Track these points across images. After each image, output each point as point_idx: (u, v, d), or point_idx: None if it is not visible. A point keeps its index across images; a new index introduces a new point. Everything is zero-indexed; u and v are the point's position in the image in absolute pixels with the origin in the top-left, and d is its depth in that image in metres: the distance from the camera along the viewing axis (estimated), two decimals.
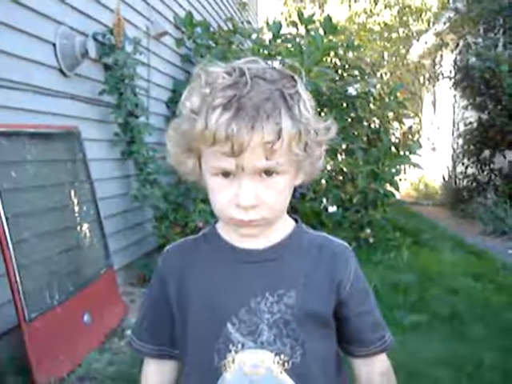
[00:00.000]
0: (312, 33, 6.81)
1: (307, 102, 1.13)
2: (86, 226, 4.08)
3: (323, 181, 7.15)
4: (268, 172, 1.09)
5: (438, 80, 13.08)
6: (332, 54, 7.66)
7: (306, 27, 7.08)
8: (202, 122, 1.06)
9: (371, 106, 7.66)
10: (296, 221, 1.27)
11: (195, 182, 1.24)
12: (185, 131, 1.11)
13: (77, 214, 4.00)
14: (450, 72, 11.56)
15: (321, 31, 6.87)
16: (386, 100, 7.70)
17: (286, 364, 1.16)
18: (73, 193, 3.98)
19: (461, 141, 11.88)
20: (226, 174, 1.10)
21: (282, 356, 1.16)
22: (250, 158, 1.06)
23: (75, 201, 3.99)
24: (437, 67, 13.67)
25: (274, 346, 1.16)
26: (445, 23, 12.46)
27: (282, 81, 1.11)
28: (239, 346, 1.16)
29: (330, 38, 7.07)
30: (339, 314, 1.23)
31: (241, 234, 1.18)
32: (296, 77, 1.14)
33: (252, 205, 1.10)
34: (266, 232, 1.19)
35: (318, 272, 1.21)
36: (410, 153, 7.43)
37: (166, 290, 1.25)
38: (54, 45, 4.05)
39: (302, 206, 6.74)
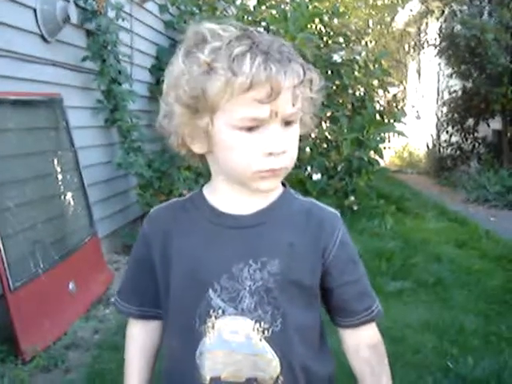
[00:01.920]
0: None
1: None
2: (69, 195, 4.05)
3: (308, 148, 7.14)
4: (288, 120, 1.10)
5: (422, 48, 13.06)
6: (317, 20, 7.61)
7: None
8: (227, 71, 1.04)
9: (356, 73, 7.63)
10: (284, 185, 1.25)
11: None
12: (198, 86, 1.07)
13: (60, 183, 3.97)
14: (435, 40, 11.53)
15: None
16: (371, 68, 7.68)
17: (265, 332, 1.15)
18: (56, 161, 3.94)
19: (445, 109, 11.93)
20: (252, 128, 1.08)
21: (262, 323, 1.15)
22: (282, 104, 1.06)
23: (59, 169, 3.95)
24: (422, 35, 13.62)
25: (255, 313, 1.15)
26: None
27: None
28: (219, 311, 1.15)
29: (315, 4, 7.01)
30: (324, 282, 1.21)
31: (259, 190, 1.15)
32: None
33: (283, 150, 1.10)
34: (260, 194, 1.18)
35: (304, 239, 1.19)
36: (395, 121, 7.45)
37: (150, 253, 1.24)
38: (35, 10, 3.96)
39: None
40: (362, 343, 1.26)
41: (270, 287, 1.15)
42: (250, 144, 1.08)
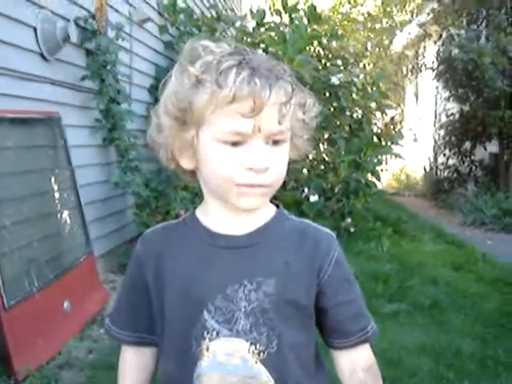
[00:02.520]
0: (296, 22, 6.80)
1: None
2: (66, 213, 4.04)
3: (305, 170, 7.16)
4: (276, 139, 1.10)
5: (420, 71, 13.14)
6: (315, 43, 7.67)
7: (289, 16, 7.07)
8: (213, 84, 1.05)
9: (354, 95, 7.68)
10: (277, 206, 1.24)
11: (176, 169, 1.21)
12: (186, 99, 1.09)
13: (57, 201, 3.96)
14: (433, 63, 11.60)
15: (305, 20, 6.87)
16: (369, 90, 7.72)
17: (261, 354, 1.13)
18: (53, 179, 3.94)
19: (442, 132, 11.97)
20: (236, 143, 1.08)
21: (258, 345, 1.13)
22: (266, 119, 1.06)
23: (56, 187, 3.95)
24: (420, 58, 13.72)
25: (250, 334, 1.13)
26: (428, 14, 12.49)
27: None
28: (214, 333, 1.13)
29: (314, 27, 7.06)
30: (318, 302, 1.20)
31: (239, 209, 1.15)
32: None
33: (265, 167, 1.09)
34: (252, 214, 1.17)
35: (299, 259, 1.18)
36: (392, 143, 7.46)
37: (143, 275, 1.22)
38: (35, 29, 3.99)
39: (282, 194, 6.74)
40: (357, 365, 1.23)
41: (265, 308, 1.13)
42: (231, 158, 1.09)
